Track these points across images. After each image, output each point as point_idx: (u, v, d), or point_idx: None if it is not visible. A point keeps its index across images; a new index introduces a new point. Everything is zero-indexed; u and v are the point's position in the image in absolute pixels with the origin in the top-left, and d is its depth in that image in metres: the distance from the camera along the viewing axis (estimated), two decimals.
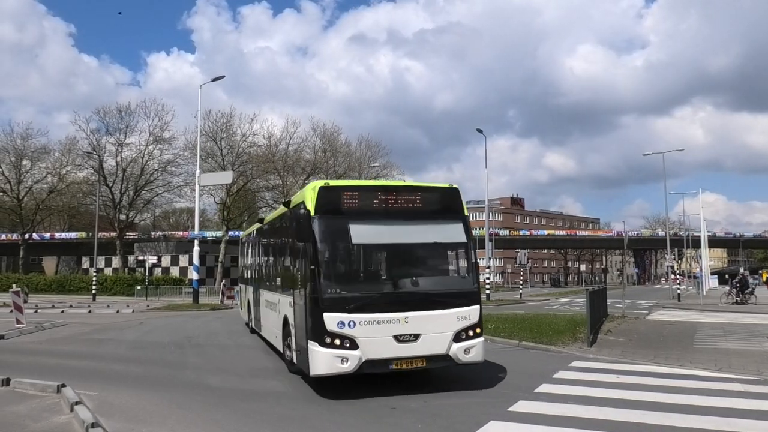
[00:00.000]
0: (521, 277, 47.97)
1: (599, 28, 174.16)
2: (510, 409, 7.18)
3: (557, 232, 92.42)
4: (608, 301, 21.66)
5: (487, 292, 34.60)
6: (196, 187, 30.59)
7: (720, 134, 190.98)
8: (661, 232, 78.09)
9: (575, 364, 10.66)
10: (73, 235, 60.16)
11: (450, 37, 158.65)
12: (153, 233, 60.45)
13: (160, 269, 49.32)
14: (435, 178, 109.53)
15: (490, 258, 39.84)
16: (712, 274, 63.79)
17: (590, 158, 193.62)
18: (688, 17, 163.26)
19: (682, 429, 6.43)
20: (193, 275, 29.33)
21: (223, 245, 46.06)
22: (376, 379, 8.53)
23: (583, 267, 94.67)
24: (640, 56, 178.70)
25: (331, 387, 8.19)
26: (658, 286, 74.19)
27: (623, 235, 50.60)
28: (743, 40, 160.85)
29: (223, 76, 32.74)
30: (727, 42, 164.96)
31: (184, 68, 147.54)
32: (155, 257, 44.50)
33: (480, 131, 38.55)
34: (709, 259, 64.98)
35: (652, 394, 7.98)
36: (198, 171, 30.42)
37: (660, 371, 9.87)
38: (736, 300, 29.09)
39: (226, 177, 35.58)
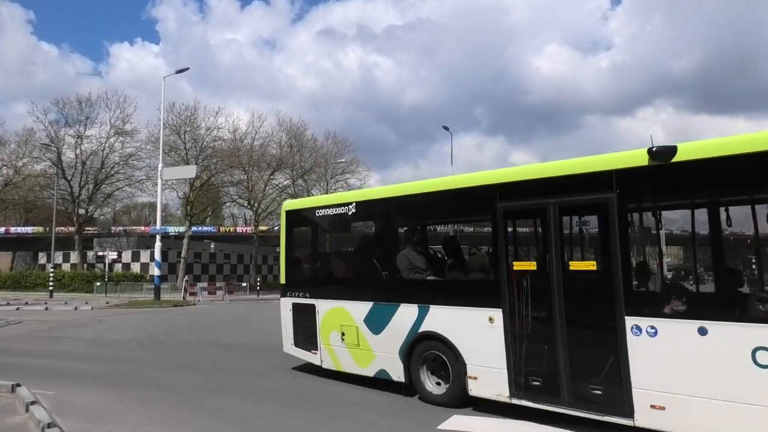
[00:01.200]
0: None
1: (566, 29, 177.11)
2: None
3: None
4: None
5: None
6: (159, 182, 30.07)
7: (679, 135, 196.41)
8: None
9: None
10: (29, 229, 58.25)
11: (419, 33, 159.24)
12: (113, 228, 59.03)
13: (120, 265, 48.12)
14: (402, 174, 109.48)
15: None
16: None
17: (555, 157, 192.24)
18: (652, 20, 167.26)
19: None
20: (155, 271, 28.85)
21: (186, 240, 45.22)
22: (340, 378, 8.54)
23: None
24: (605, 57, 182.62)
25: (297, 384, 8.16)
26: None
27: None
28: (705, 43, 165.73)
29: (188, 68, 32.38)
30: (690, 44, 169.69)
31: (148, 59, 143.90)
32: (115, 253, 43.49)
33: (446, 128, 39.03)
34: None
35: None
36: (161, 165, 29.88)
37: None
38: None
39: (190, 171, 34.93)
